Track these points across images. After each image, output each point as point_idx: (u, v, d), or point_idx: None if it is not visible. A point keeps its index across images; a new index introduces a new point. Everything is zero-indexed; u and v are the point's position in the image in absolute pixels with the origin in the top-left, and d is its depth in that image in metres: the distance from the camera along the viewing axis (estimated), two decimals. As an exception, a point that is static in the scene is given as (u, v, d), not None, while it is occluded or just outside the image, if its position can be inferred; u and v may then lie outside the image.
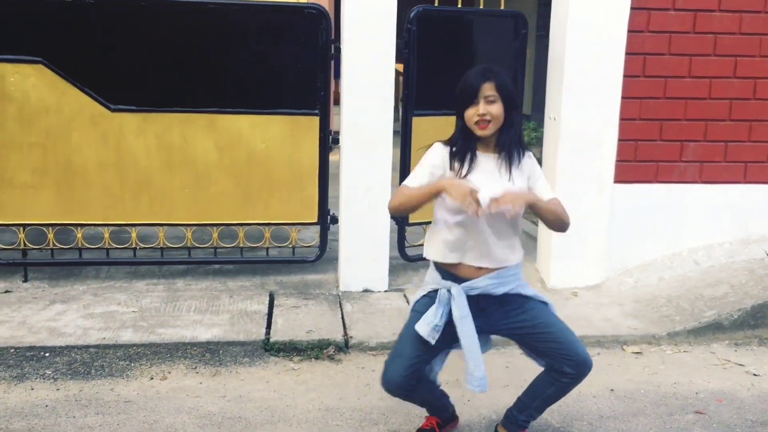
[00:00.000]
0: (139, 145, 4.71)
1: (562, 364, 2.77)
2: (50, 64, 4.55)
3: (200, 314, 4.36)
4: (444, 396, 3.09)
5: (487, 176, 2.67)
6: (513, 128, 2.70)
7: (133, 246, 4.88)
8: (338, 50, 4.70)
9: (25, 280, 4.83)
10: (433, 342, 2.72)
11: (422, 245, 5.10)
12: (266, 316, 4.36)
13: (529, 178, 2.74)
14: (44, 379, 3.61)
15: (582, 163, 4.87)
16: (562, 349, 2.76)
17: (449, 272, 2.77)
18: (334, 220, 4.97)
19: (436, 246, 2.80)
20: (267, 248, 5.03)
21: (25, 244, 4.79)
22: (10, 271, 4.89)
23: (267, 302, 4.59)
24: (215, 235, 4.92)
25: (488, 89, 2.62)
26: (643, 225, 5.07)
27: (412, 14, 4.77)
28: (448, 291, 2.73)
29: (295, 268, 5.15)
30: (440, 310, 2.72)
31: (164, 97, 4.69)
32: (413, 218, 5.05)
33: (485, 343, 2.87)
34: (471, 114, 2.65)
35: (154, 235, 4.98)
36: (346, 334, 4.16)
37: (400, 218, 5.05)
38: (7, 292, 4.66)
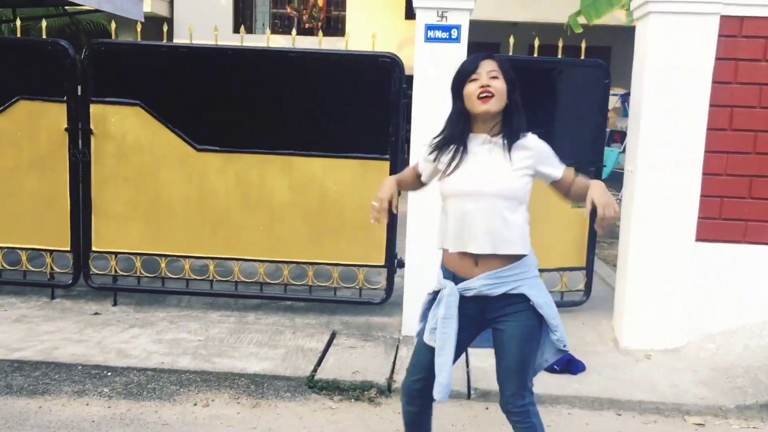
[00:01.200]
0: (220, 183, 5.02)
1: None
2: (146, 106, 4.97)
3: (258, 347, 4.52)
4: None
5: (480, 165, 2.60)
6: (516, 113, 2.59)
7: (210, 278, 5.16)
8: (409, 97, 4.80)
9: (114, 304, 5.23)
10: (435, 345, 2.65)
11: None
12: (320, 354, 4.45)
13: (536, 157, 2.62)
14: (100, 396, 3.88)
15: (660, 218, 4.63)
16: (499, 373, 2.68)
17: (449, 270, 2.69)
18: (401, 264, 5.01)
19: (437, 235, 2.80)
20: (335, 288, 5.15)
21: (115, 271, 5.20)
22: (104, 295, 5.31)
23: (326, 340, 4.69)
24: (286, 272, 5.11)
25: (489, 65, 2.56)
26: (729, 288, 4.71)
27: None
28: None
29: (361, 309, 5.23)
30: (437, 311, 2.65)
31: (244, 139, 4.98)
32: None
33: (488, 339, 2.78)
34: (472, 89, 2.53)
35: (231, 269, 5.23)
36: (391, 377, 4.16)
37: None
38: (96, 314, 5.06)
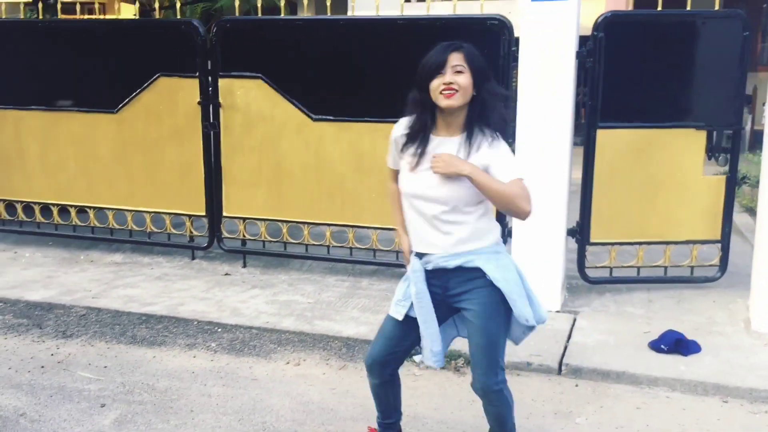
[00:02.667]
0: (334, 151, 5.16)
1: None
2: (267, 79, 5.21)
3: (361, 312, 4.63)
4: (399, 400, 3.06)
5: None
6: (483, 106, 2.50)
7: (327, 244, 5.34)
8: (518, 60, 4.62)
9: (244, 266, 5.59)
10: (400, 317, 2.71)
11: (606, 267, 4.84)
12: (419, 321, 4.47)
13: (491, 159, 2.50)
14: (207, 350, 4.20)
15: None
16: (470, 353, 2.66)
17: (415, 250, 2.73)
18: (509, 233, 4.88)
19: None
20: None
21: (244, 235, 5.54)
22: (236, 257, 5.69)
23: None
24: (397, 239, 5.15)
25: (456, 59, 2.48)
26: None
27: (599, 20, 4.49)
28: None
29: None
30: (402, 285, 2.73)
31: (356, 109, 5.07)
32: (594, 237, 4.75)
33: (455, 327, 2.82)
34: (436, 84, 2.48)
35: (346, 235, 5.38)
36: (482, 348, 4.10)
37: (580, 237, 4.77)
38: (226, 274, 5.45)
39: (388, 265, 5.32)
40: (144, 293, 5.02)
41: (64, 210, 5.99)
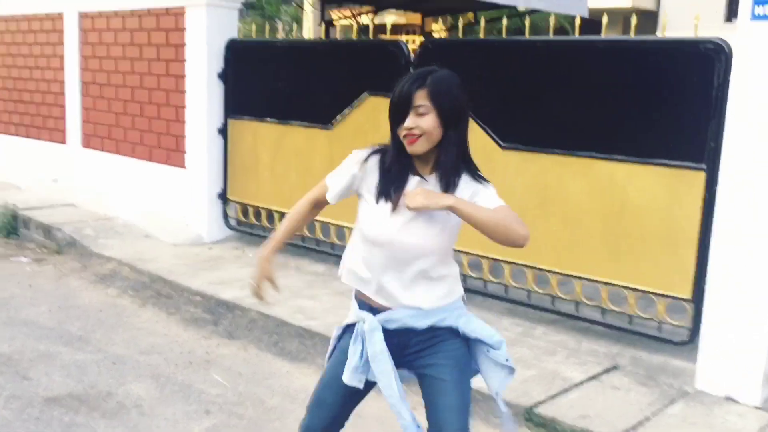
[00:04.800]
0: (518, 183, 4.74)
1: None
2: (461, 102, 4.97)
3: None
4: None
5: (406, 215, 2.25)
6: (454, 146, 2.24)
7: (505, 282, 4.92)
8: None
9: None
10: (360, 386, 2.32)
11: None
12: (568, 386, 3.90)
13: (472, 191, 2.26)
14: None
15: None
16: (435, 416, 2.27)
17: (363, 300, 2.37)
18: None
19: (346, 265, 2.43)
20: (630, 316, 4.40)
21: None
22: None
23: (594, 373, 4.08)
24: (578, 288, 4.56)
25: (420, 98, 2.14)
26: None
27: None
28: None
29: (665, 347, 4.34)
30: (357, 348, 2.33)
31: (545, 138, 4.60)
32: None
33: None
34: (400, 127, 2.22)
35: (525, 275, 4.90)
36: (624, 434, 3.43)
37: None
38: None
39: (558, 313, 4.72)
40: (316, 306, 5.11)
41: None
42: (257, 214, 6.58)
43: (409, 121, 2.20)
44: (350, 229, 5.74)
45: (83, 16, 7.77)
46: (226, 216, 6.79)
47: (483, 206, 2.18)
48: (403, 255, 2.26)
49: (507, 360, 2.37)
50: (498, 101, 4.83)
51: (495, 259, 4.95)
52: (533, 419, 3.59)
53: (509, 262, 4.87)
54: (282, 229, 2.52)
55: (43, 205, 7.66)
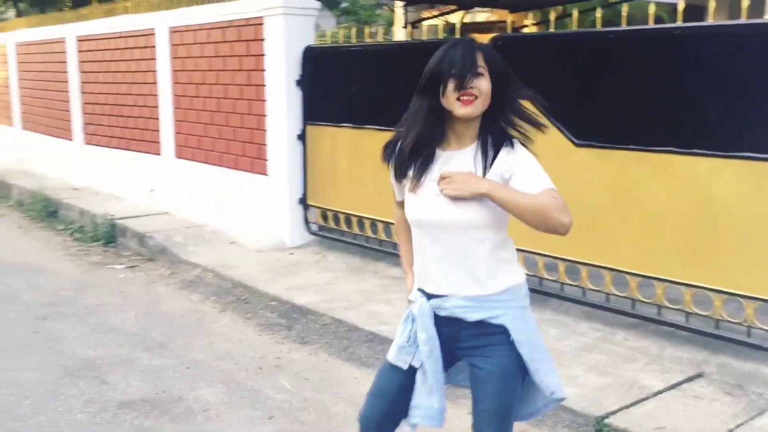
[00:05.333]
0: (593, 181, 4.53)
1: None
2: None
3: (586, 371, 3.99)
4: None
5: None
6: (501, 114, 2.16)
7: (582, 285, 4.71)
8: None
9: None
10: (404, 366, 2.26)
11: None
12: (646, 395, 3.68)
13: (508, 172, 2.11)
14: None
15: None
16: (475, 416, 2.24)
17: (423, 289, 2.33)
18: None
19: None
20: (717, 320, 4.11)
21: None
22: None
23: (676, 381, 3.83)
24: (660, 291, 4.30)
25: (480, 60, 2.09)
26: None
27: None
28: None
29: (755, 354, 4.03)
30: (407, 328, 2.32)
31: (621, 134, 4.38)
32: None
33: (457, 373, 2.41)
34: (452, 88, 2.10)
35: (602, 278, 4.67)
36: (700, 448, 3.20)
37: None
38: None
39: (650, 320, 4.47)
40: (391, 311, 5.06)
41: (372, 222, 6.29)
42: (336, 219, 6.61)
43: (472, 82, 2.11)
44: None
45: (173, 31, 8.06)
46: (306, 221, 6.86)
47: (521, 190, 2.06)
48: (442, 235, 2.20)
49: (553, 393, 2.27)
50: (571, 96, 4.63)
51: (571, 261, 4.75)
52: (603, 430, 3.41)
53: (586, 264, 4.67)
54: (403, 258, 2.57)
55: (139, 214, 7.99)
